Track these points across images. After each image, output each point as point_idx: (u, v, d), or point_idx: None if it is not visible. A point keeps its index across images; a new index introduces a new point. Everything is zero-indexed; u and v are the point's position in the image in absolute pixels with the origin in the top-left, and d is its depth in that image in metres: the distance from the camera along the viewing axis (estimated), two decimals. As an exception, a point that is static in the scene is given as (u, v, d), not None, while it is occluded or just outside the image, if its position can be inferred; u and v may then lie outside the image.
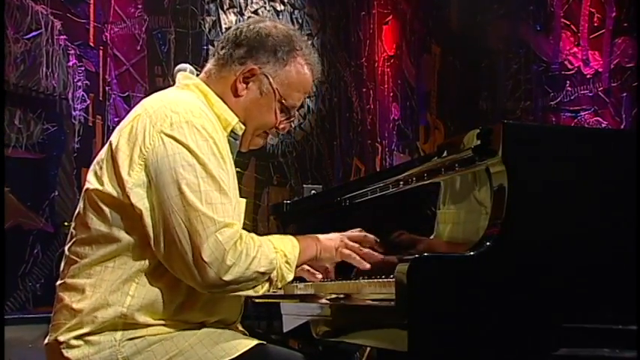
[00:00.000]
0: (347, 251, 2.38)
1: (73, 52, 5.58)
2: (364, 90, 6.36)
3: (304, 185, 4.13)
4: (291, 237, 2.32)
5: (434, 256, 2.03)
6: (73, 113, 5.55)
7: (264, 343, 2.27)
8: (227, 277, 2.10)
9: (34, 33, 5.41)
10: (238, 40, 2.38)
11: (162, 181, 2.12)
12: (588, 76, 4.07)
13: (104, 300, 2.15)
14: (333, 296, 2.43)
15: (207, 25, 6.23)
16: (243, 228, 2.19)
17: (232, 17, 6.34)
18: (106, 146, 2.25)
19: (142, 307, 2.16)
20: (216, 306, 2.26)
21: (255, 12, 6.42)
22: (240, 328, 2.39)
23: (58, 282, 2.27)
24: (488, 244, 1.99)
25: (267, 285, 2.20)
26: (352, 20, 6.55)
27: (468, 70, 5.00)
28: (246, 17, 6.31)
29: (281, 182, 6.40)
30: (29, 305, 5.19)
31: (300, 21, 6.54)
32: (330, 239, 2.39)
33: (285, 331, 2.84)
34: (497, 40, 4.75)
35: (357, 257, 2.38)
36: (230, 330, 2.29)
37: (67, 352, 2.16)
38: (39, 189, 5.38)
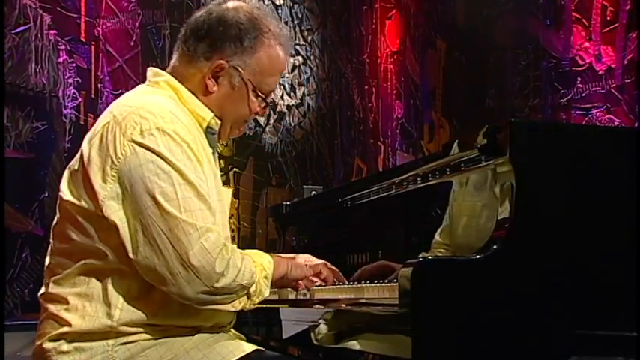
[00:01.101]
0: (317, 261, 2.46)
1: (63, 47, 5.60)
2: (366, 87, 6.39)
3: (304, 186, 4.17)
4: (263, 252, 2.32)
5: (439, 259, 2.07)
6: (64, 111, 5.57)
7: (262, 349, 2.26)
8: (217, 285, 2.08)
9: (22, 27, 5.42)
10: (200, 32, 2.30)
11: (137, 192, 2.10)
12: (600, 73, 4.04)
13: (91, 313, 2.14)
14: (332, 300, 2.42)
15: (203, 20, 6.21)
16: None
17: (230, 12, 6.33)
18: (78, 156, 2.23)
19: (131, 320, 2.14)
20: (210, 311, 2.22)
21: (254, 7, 6.42)
22: (235, 332, 2.37)
23: (41, 292, 2.26)
24: (495, 247, 1.97)
25: (244, 299, 2.18)
26: (354, 15, 6.61)
27: (474, 67, 5.01)
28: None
29: (280, 183, 6.43)
30: (17, 311, 5.21)
31: (299, 16, 6.59)
32: (301, 257, 2.46)
33: (284, 337, 2.87)
34: (505, 35, 4.76)
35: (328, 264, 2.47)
36: (226, 334, 2.28)
37: (57, 359, 2.14)
38: (28, 190, 5.40)
